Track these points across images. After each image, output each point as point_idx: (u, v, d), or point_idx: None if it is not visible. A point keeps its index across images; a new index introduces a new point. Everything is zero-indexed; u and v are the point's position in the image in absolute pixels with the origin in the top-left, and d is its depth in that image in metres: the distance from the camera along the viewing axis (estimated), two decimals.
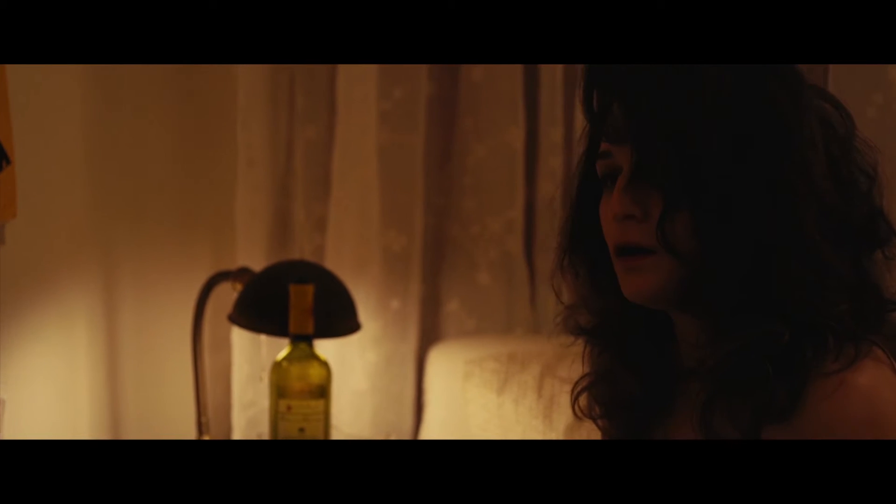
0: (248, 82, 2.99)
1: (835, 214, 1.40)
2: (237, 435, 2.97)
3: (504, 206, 3.05)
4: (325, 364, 2.53)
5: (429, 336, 3.08)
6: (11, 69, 2.34)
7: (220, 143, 3.04)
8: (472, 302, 3.07)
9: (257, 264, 2.87)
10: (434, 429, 2.92)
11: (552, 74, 3.02)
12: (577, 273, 1.54)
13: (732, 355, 1.38)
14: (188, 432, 2.86)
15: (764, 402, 1.35)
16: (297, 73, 3.01)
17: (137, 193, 2.95)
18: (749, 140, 1.38)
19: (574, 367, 2.67)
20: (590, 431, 2.56)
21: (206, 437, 2.77)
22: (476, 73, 3.03)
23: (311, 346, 2.52)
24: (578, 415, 1.57)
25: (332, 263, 2.92)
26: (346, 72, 2.97)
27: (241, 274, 2.76)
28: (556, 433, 2.68)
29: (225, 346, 2.99)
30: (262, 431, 2.88)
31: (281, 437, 2.52)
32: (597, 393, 1.56)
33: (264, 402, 2.92)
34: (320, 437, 2.51)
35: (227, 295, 2.83)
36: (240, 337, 2.96)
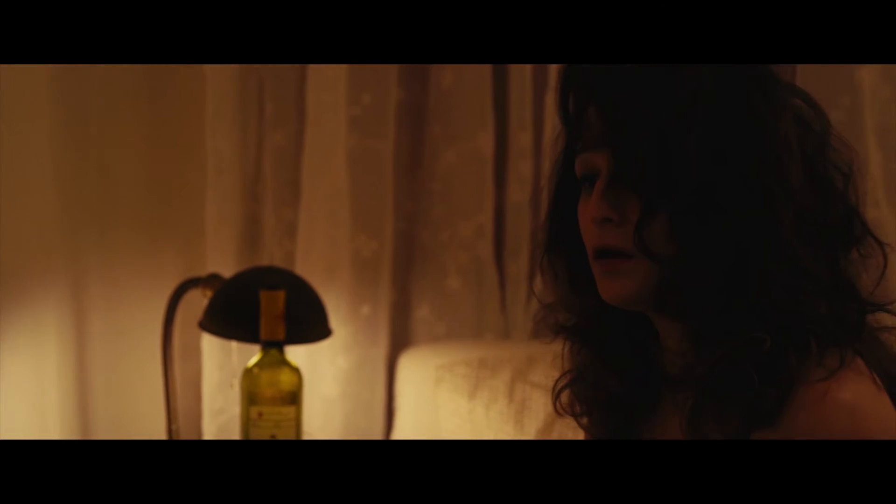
0: (217, 88, 2.98)
1: (811, 216, 1.40)
2: None
3: (474, 212, 3.05)
4: (296, 370, 2.52)
5: (399, 342, 3.08)
6: None
7: (189, 149, 3.03)
8: (443, 307, 3.07)
9: (227, 271, 2.86)
10: (405, 434, 2.92)
11: (521, 80, 3.03)
12: (555, 273, 1.54)
13: (718, 363, 1.38)
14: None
15: (752, 407, 1.36)
16: (266, 79, 3.01)
17: (106, 201, 2.94)
18: (726, 144, 1.38)
19: (545, 371, 2.69)
20: (561, 435, 2.57)
21: None
22: (445, 79, 3.03)
23: (282, 352, 2.51)
24: (560, 412, 1.57)
25: (302, 269, 2.91)
26: (315, 78, 2.97)
27: (212, 280, 2.75)
28: (527, 437, 2.68)
29: (195, 354, 2.98)
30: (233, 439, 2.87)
31: None
32: (577, 390, 1.56)
33: (234, 409, 2.91)
34: None
35: (196, 302, 2.82)
36: (210, 344, 2.96)
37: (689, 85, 1.39)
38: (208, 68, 2.96)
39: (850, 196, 1.44)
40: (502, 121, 3.06)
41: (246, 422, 2.50)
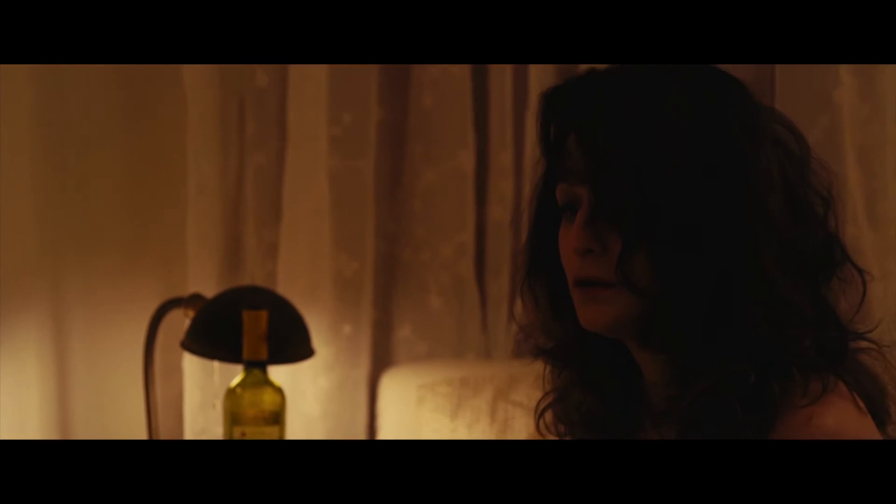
0: (198, 109, 2.98)
1: (792, 245, 1.40)
2: None
3: (455, 231, 3.05)
4: (279, 390, 2.52)
5: (381, 361, 3.08)
6: None
7: (170, 170, 3.03)
8: (424, 327, 3.07)
9: (208, 291, 2.86)
10: None
11: (501, 99, 3.03)
12: (536, 298, 1.53)
13: (701, 396, 1.38)
14: None
15: (734, 438, 1.36)
16: (246, 100, 3.01)
17: (86, 222, 2.94)
18: (706, 178, 1.38)
19: (527, 391, 2.69)
20: None
21: None
22: (426, 98, 3.04)
23: (264, 372, 2.51)
24: (543, 432, 1.57)
25: (283, 289, 2.91)
26: (296, 97, 2.97)
27: (194, 300, 2.74)
28: None
29: (175, 374, 2.98)
30: None
31: None
32: (559, 411, 1.56)
33: (216, 429, 2.90)
34: None
35: (177, 323, 2.82)
36: (191, 364, 2.95)
37: (668, 119, 1.39)
38: (189, 89, 2.96)
39: (830, 221, 1.44)
40: (483, 139, 3.07)
41: None
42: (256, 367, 2.50)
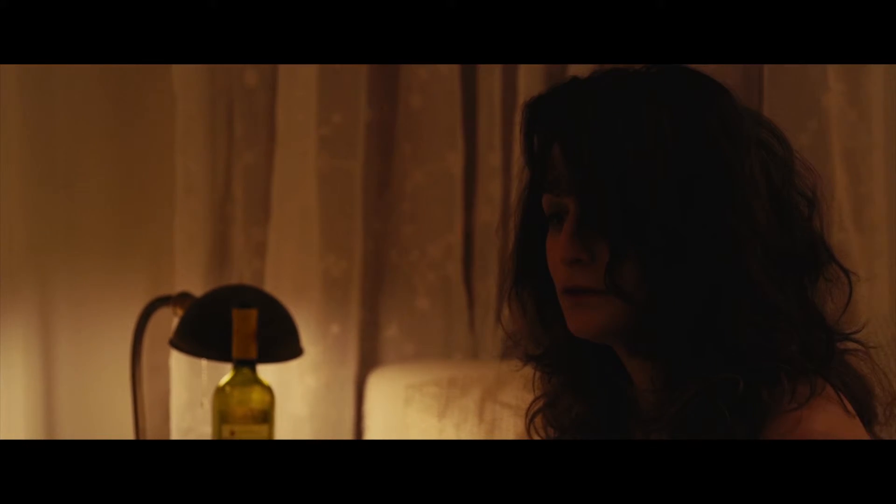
0: (187, 109, 2.98)
1: (778, 249, 1.40)
2: None
3: (443, 232, 3.06)
4: (268, 389, 2.52)
5: (368, 361, 3.08)
6: None
7: (158, 169, 3.03)
8: (411, 327, 3.08)
9: (196, 290, 2.85)
10: None
11: (490, 100, 3.04)
12: (523, 306, 1.54)
13: (690, 402, 1.38)
14: None
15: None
16: (235, 99, 3.01)
17: (74, 220, 2.93)
18: (691, 187, 1.38)
19: (515, 392, 2.70)
20: None
21: None
22: (414, 99, 3.05)
23: (254, 370, 2.51)
24: (534, 437, 1.58)
25: (271, 288, 2.91)
26: (285, 97, 2.98)
27: (182, 299, 2.74)
28: None
29: (162, 373, 2.97)
30: None
31: None
32: (550, 416, 1.56)
33: (202, 428, 2.91)
34: None
35: (163, 321, 2.82)
36: (178, 363, 2.95)
37: (651, 127, 1.39)
38: (178, 88, 2.96)
39: (816, 222, 1.45)
40: (471, 141, 3.07)
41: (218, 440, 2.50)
42: (246, 366, 2.50)
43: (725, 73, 1.57)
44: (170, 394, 2.97)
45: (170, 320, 2.80)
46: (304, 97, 2.98)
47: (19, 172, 2.80)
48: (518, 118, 2.94)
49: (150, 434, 2.85)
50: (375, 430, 2.94)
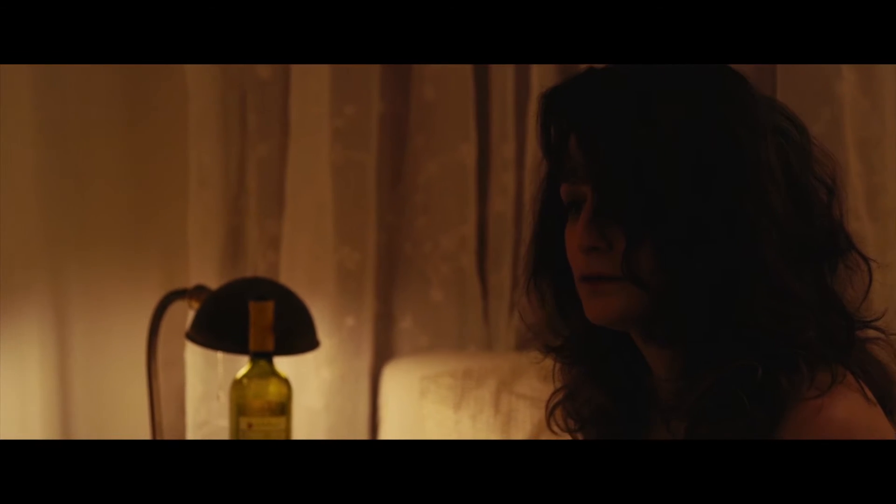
0: (200, 102, 2.98)
1: (796, 236, 1.40)
2: None
3: (456, 223, 3.06)
4: (285, 381, 2.52)
5: (382, 353, 3.09)
6: None
7: (171, 162, 3.03)
8: (426, 318, 3.08)
9: (210, 283, 2.85)
10: None
11: (503, 91, 3.04)
12: (542, 298, 1.54)
13: (709, 391, 1.38)
14: None
15: (744, 430, 1.36)
16: (248, 91, 3.01)
17: (88, 214, 2.94)
18: (707, 174, 1.38)
19: (530, 383, 2.70)
20: None
21: None
22: (427, 91, 3.05)
23: (271, 363, 2.51)
24: (554, 429, 1.58)
25: (286, 281, 2.91)
26: (298, 90, 2.98)
27: (198, 292, 2.74)
28: None
29: (177, 366, 2.98)
30: None
31: None
32: (570, 408, 1.56)
33: (218, 421, 2.91)
34: None
35: (178, 314, 2.82)
36: (193, 356, 2.96)
37: (667, 115, 1.39)
38: (191, 82, 2.96)
39: (835, 209, 1.44)
40: (485, 132, 3.07)
41: (235, 433, 2.50)
42: (263, 359, 2.50)
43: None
44: (185, 387, 2.98)
45: (184, 314, 2.80)
46: (317, 90, 2.98)
47: (34, 167, 2.81)
48: (531, 109, 2.97)
49: (166, 427, 2.85)
50: (391, 421, 2.95)
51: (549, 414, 1.58)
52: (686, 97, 1.40)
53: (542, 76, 2.97)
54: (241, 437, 2.48)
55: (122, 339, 2.94)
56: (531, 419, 2.69)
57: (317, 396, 3.00)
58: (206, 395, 2.95)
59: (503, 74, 3.04)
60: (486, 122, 3.07)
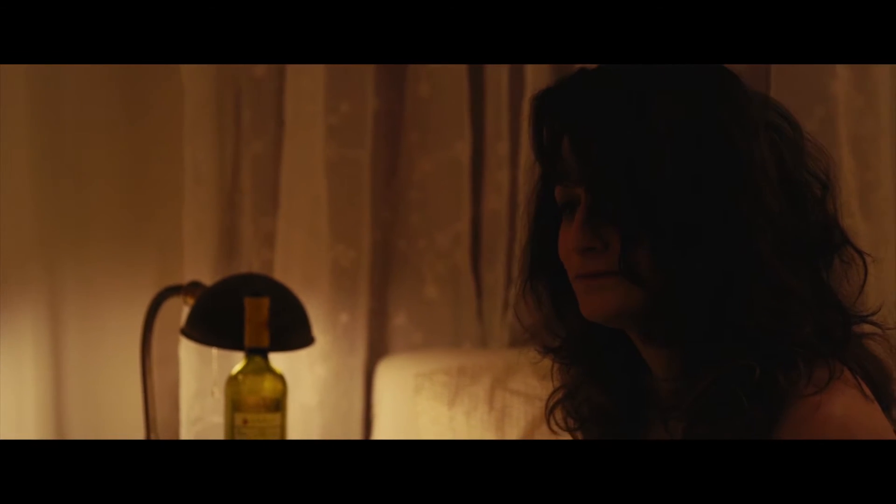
0: (195, 99, 2.98)
1: (791, 232, 1.40)
2: None
3: (451, 220, 3.06)
4: (280, 377, 2.53)
5: (376, 350, 3.09)
6: None
7: (166, 158, 3.03)
8: (420, 315, 3.08)
9: (205, 280, 2.86)
10: None
11: (498, 89, 3.05)
12: (539, 299, 1.54)
13: (707, 390, 1.38)
14: None
15: (744, 429, 1.36)
16: (243, 89, 3.01)
17: (83, 210, 2.94)
18: (701, 174, 1.38)
19: (524, 379, 2.70)
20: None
21: None
22: (422, 87, 3.05)
23: (266, 359, 2.52)
24: (554, 429, 1.58)
25: (280, 278, 2.91)
26: (293, 87, 2.98)
27: (193, 288, 2.75)
28: None
29: (171, 362, 2.98)
30: None
31: None
32: (570, 407, 1.57)
33: (212, 417, 2.91)
34: None
35: (172, 311, 2.82)
36: (187, 352, 2.96)
37: (659, 115, 1.39)
38: (186, 79, 2.97)
39: (829, 204, 1.45)
40: (479, 130, 3.08)
41: (230, 429, 2.50)
42: (258, 355, 2.50)
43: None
44: (179, 383, 2.98)
45: (178, 310, 2.80)
46: (311, 87, 2.98)
47: (28, 164, 2.81)
48: (526, 107, 2.97)
49: (160, 423, 2.85)
50: (385, 418, 2.95)
51: (549, 413, 1.58)
52: (679, 97, 1.40)
53: (537, 73, 2.97)
54: (236, 434, 2.48)
55: (117, 335, 2.94)
56: (525, 416, 2.69)
57: (311, 393, 3.00)
58: (200, 392, 2.95)
59: (498, 72, 3.04)
60: (480, 119, 3.07)
